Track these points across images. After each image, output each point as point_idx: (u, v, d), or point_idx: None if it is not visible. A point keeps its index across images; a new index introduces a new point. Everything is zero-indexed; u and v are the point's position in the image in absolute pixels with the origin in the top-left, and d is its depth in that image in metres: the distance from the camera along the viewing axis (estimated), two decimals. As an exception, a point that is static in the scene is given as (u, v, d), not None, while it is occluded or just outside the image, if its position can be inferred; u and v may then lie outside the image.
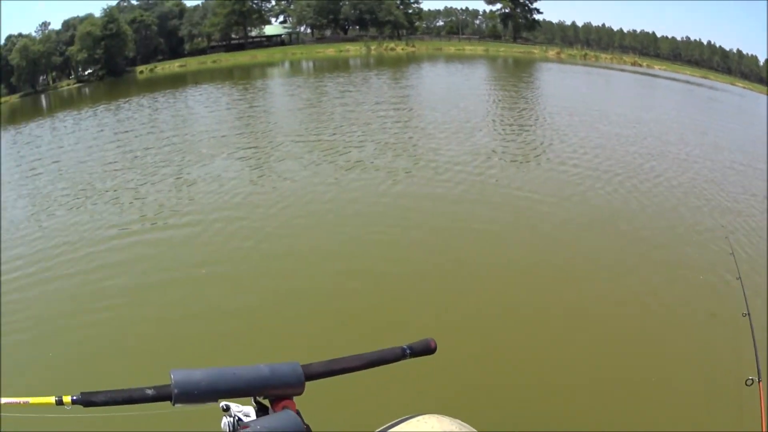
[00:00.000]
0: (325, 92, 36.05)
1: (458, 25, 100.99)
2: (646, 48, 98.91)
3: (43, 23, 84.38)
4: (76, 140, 26.62)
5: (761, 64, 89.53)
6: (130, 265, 10.12)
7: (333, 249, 10.12)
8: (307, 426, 1.40)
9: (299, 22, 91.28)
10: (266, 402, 1.45)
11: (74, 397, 1.28)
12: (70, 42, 77.34)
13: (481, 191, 13.17)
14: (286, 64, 68.77)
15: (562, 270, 9.19)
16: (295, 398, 1.47)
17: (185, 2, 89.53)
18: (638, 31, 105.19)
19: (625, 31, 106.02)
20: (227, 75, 58.43)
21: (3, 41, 76.75)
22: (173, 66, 78.36)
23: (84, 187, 16.09)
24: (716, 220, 11.57)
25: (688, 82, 53.30)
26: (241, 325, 7.73)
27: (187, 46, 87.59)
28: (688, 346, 7.09)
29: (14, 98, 71.66)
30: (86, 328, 7.96)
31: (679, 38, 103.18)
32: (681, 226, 11.24)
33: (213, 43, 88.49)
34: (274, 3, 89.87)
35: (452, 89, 34.95)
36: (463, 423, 1.64)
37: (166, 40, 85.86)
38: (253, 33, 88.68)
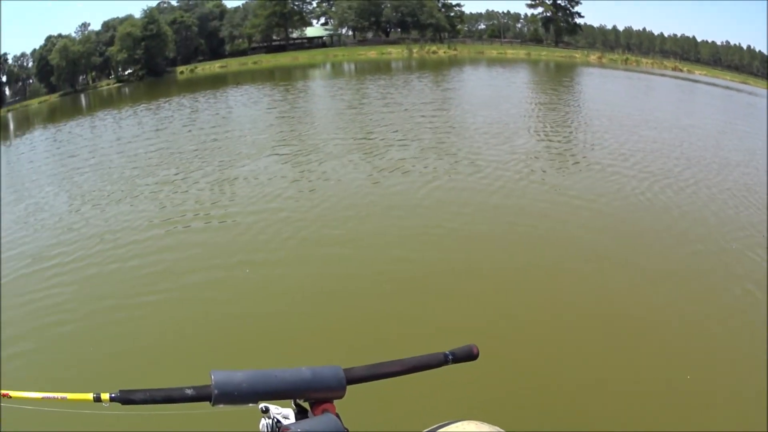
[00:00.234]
0: (366, 94, 35.45)
1: (500, 29, 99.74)
2: (686, 53, 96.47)
3: (82, 24, 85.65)
4: (116, 138, 27.02)
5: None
6: (169, 261, 10.15)
7: (374, 251, 9.95)
8: (347, 430, 1.40)
9: (340, 24, 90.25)
10: (306, 405, 1.46)
11: (112, 395, 1.30)
12: (110, 42, 78.01)
13: (522, 193, 13.03)
14: (328, 66, 68.42)
15: (607, 275, 8.91)
16: (335, 402, 1.47)
17: (226, 3, 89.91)
18: (679, 35, 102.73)
19: (665, 35, 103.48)
20: (268, 76, 58.32)
21: (43, 42, 77.84)
22: (214, 67, 78.64)
23: (124, 184, 16.31)
24: (755, 227, 11.10)
25: (728, 87, 51.41)
26: (280, 325, 7.65)
27: (227, 47, 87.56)
28: (731, 354, 6.81)
29: (54, 97, 72.37)
30: (125, 323, 7.98)
31: (719, 42, 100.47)
32: (717, 231, 10.80)
33: (254, 45, 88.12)
34: (315, 5, 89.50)
35: (494, 93, 34.10)
36: (502, 430, 1.63)
37: (207, 41, 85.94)
38: (294, 35, 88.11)
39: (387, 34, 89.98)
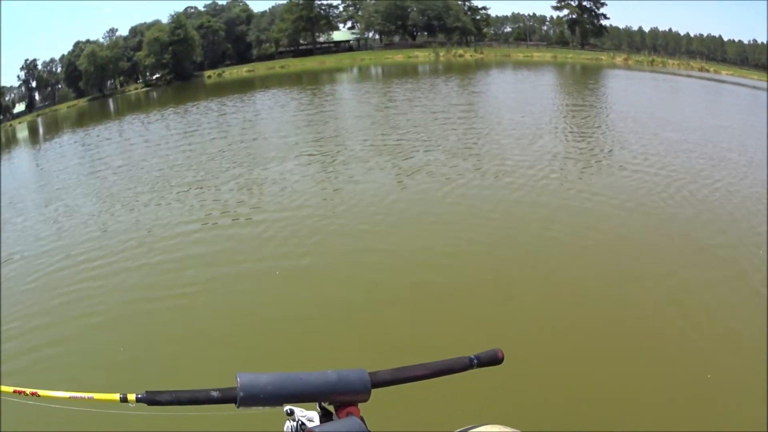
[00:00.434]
0: (393, 98, 35.37)
1: (526, 32, 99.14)
2: (713, 53, 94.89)
3: (110, 30, 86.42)
4: (144, 141, 27.44)
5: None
6: (197, 262, 10.26)
7: (401, 256, 9.92)
8: None
9: (367, 28, 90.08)
10: (331, 408, 1.47)
11: (139, 396, 1.31)
12: (138, 47, 78.88)
13: (548, 198, 12.87)
14: (355, 70, 68.68)
15: (633, 281, 8.74)
16: (359, 405, 1.48)
17: (252, 8, 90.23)
18: (705, 35, 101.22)
19: (691, 35, 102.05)
20: (296, 80, 58.61)
21: (71, 47, 78.84)
22: (241, 71, 79.27)
23: (152, 186, 16.66)
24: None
25: (754, 87, 49.95)
26: (306, 328, 7.64)
27: (255, 52, 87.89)
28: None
29: (82, 102, 73.21)
30: (153, 323, 8.16)
31: (746, 41, 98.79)
32: (737, 233, 10.66)
33: (281, 49, 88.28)
34: (342, 9, 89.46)
35: (520, 96, 34.14)
36: None
37: (234, 45, 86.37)
38: (321, 39, 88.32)
39: (413, 38, 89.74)
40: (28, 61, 78.95)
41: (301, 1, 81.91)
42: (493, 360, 1.69)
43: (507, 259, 9.60)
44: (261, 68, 78.66)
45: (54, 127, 50.20)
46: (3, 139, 49.09)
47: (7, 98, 74.88)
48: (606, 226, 10.97)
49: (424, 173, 15.13)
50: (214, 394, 1.34)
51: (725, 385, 6.04)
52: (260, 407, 1.34)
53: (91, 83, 76.67)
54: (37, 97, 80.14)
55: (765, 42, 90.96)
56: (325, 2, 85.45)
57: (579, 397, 5.95)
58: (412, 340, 6.97)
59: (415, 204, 12.66)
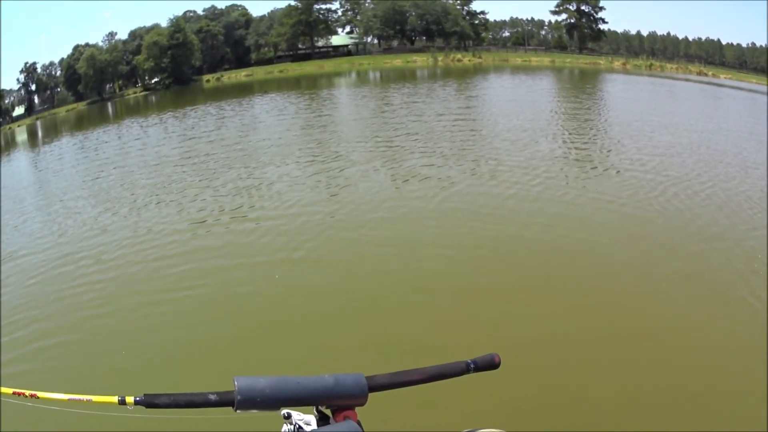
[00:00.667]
0: (390, 102, 35.43)
1: (524, 36, 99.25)
2: (711, 56, 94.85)
3: (109, 33, 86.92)
4: (143, 145, 27.43)
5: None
6: (193, 265, 10.25)
7: (397, 261, 9.82)
8: None
9: (366, 33, 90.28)
10: (328, 411, 1.48)
11: (137, 398, 1.32)
12: (137, 51, 79.05)
13: (545, 201, 12.79)
14: (353, 74, 68.70)
15: (630, 283, 8.75)
16: (356, 409, 1.49)
17: (251, 12, 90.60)
18: (703, 38, 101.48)
19: (690, 39, 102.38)
20: (294, 84, 58.71)
21: (71, 51, 78.99)
22: (240, 75, 79.42)
23: (150, 189, 16.68)
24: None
25: (752, 90, 50.01)
26: (303, 332, 7.63)
27: (253, 56, 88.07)
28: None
29: (81, 105, 73.32)
30: (150, 325, 8.18)
31: (744, 45, 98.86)
32: (733, 235, 10.68)
33: (280, 53, 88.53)
34: (340, 13, 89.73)
35: (516, 100, 34.27)
36: None
37: (233, 49, 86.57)
38: (320, 43, 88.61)
39: (412, 43, 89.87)
40: (27, 64, 79.52)
41: (299, 6, 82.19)
42: (489, 365, 1.71)
43: (504, 262, 9.60)
44: (259, 72, 78.85)
45: (53, 131, 50.37)
46: (2, 142, 49.23)
47: (6, 101, 75.13)
48: (603, 229, 11.00)
49: (420, 177, 15.14)
50: (212, 397, 1.36)
51: (725, 386, 6.07)
52: (258, 411, 1.37)
53: (90, 87, 76.85)
54: (36, 100, 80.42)
55: (763, 45, 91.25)
56: (323, 7, 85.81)
57: (576, 400, 5.95)
58: (410, 345, 6.96)
59: (413, 208, 12.66)
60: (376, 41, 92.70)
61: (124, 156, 24.26)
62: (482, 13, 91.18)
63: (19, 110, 76.98)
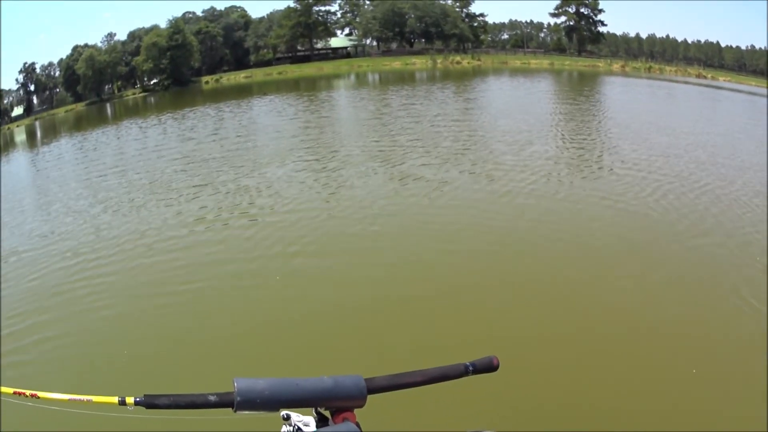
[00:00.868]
0: (388, 104, 35.58)
1: (523, 39, 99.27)
2: (710, 59, 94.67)
3: (108, 34, 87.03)
4: (142, 146, 27.28)
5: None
6: (192, 265, 10.27)
7: (395, 261, 9.89)
8: None
9: (365, 35, 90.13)
10: (327, 413, 1.48)
11: (137, 399, 1.32)
12: (136, 52, 78.97)
13: (541, 203, 12.87)
14: (352, 77, 68.76)
15: (627, 285, 8.76)
16: (355, 410, 1.49)
17: (250, 14, 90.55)
18: (702, 41, 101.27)
19: (689, 41, 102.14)
20: (293, 86, 58.72)
21: (70, 51, 78.94)
22: (239, 77, 79.46)
23: (148, 190, 16.84)
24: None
25: (751, 93, 49.99)
26: (303, 333, 7.64)
27: (252, 58, 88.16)
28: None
29: (80, 106, 73.27)
30: (150, 324, 8.21)
31: (744, 47, 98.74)
32: (729, 235, 10.73)
33: (279, 55, 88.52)
34: (339, 15, 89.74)
35: (513, 103, 34.56)
36: None
37: (232, 51, 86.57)
38: (319, 45, 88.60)
39: (411, 45, 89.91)
40: (26, 65, 79.38)
41: (299, 8, 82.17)
42: (488, 367, 1.71)
43: (503, 264, 9.64)
44: (259, 74, 78.86)
45: (52, 131, 50.41)
46: (1, 143, 49.13)
47: (5, 101, 75.02)
48: (600, 230, 11.04)
49: (418, 178, 15.19)
50: (212, 398, 1.36)
51: (724, 386, 6.08)
52: (257, 412, 1.37)
53: (89, 87, 76.80)
54: (35, 100, 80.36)
55: (763, 48, 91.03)
56: (323, 9, 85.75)
57: (575, 402, 5.96)
58: (408, 346, 7.01)
59: (411, 209, 12.70)
60: (375, 43, 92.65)
61: (122, 156, 24.37)
62: (481, 15, 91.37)
63: (17, 110, 76.86)
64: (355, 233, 11.37)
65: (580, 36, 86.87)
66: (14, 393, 1.31)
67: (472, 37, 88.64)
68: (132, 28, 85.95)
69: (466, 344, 6.84)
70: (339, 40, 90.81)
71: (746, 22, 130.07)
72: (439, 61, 77.71)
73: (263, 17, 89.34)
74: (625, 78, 58.55)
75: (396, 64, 77.95)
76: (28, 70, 78.85)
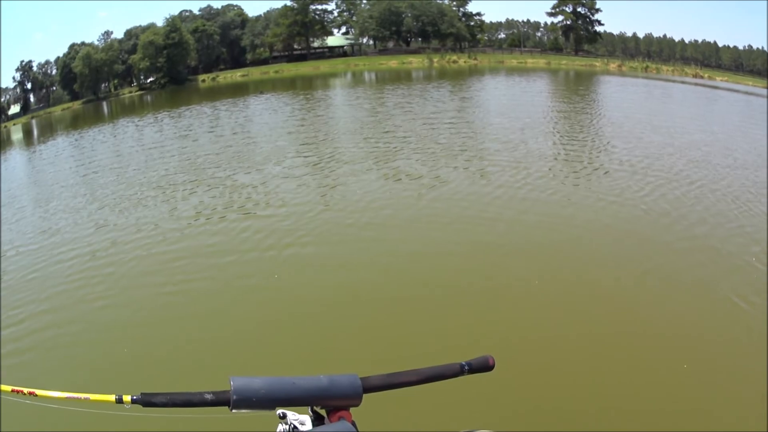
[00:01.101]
0: (384, 103, 35.50)
1: (520, 38, 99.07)
2: (707, 59, 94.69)
3: (105, 32, 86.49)
4: (138, 144, 27.27)
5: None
6: (187, 264, 10.21)
7: (391, 260, 9.87)
8: None
9: (361, 34, 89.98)
10: (323, 412, 1.49)
11: (134, 397, 1.34)
12: (133, 51, 78.86)
13: (537, 202, 12.82)
14: (349, 75, 68.71)
15: (624, 285, 8.74)
16: (351, 409, 1.50)
17: (247, 12, 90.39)
18: (700, 41, 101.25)
19: (686, 41, 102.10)
20: (289, 85, 58.70)
21: (66, 49, 78.80)
22: (235, 75, 79.27)
23: (144, 188, 16.66)
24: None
25: (748, 92, 49.93)
26: (299, 332, 7.62)
27: (249, 56, 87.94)
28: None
29: (77, 104, 73.19)
30: (148, 323, 8.18)
31: (741, 47, 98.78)
32: (728, 235, 10.68)
33: (275, 54, 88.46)
34: (336, 14, 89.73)
35: (509, 102, 34.53)
36: None
37: (228, 49, 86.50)
38: (316, 44, 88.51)
39: (408, 44, 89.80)
40: (23, 63, 79.26)
41: (295, 6, 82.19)
42: (484, 366, 1.72)
43: (498, 263, 9.57)
44: (255, 73, 78.81)
45: (48, 129, 50.34)
46: (-2, 141, 49.16)
47: (2, 99, 74.98)
48: (601, 231, 11.02)
49: (414, 177, 15.16)
50: (208, 396, 1.38)
51: (724, 386, 6.05)
52: (253, 410, 1.39)
53: (85, 86, 76.64)
54: (31, 98, 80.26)
55: (762, 47, 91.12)
56: (319, 7, 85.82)
57: (571, 402, 5.93)
58: (404, 346, 6.98)
59: (406, 207, 12.65)
60: (371, 42, 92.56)
61: (119, 154, 24.36)
62: (478, 14, 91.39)
63: (14, 108, 76.77)
64: (352, 233, 11.29)
65: (577, 35, 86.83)
66: (12, 391, 1.34)
67: (469, 36, 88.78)
68: (129, 27, 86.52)
69: (462, 343, 6.88)
70: (336, 39, 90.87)
71: (744, 22, 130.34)
72: (435, 60, 77.68)
73: (260, 16, 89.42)
74: (621, 77, 58.28)
75: (392, 63, 77.95)
76: (25, 69, 78.76)
